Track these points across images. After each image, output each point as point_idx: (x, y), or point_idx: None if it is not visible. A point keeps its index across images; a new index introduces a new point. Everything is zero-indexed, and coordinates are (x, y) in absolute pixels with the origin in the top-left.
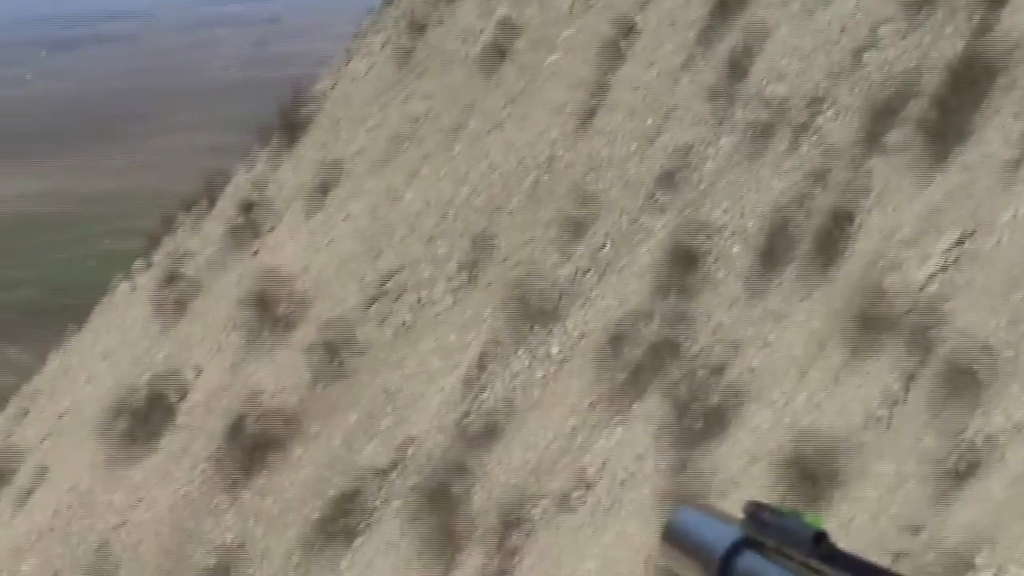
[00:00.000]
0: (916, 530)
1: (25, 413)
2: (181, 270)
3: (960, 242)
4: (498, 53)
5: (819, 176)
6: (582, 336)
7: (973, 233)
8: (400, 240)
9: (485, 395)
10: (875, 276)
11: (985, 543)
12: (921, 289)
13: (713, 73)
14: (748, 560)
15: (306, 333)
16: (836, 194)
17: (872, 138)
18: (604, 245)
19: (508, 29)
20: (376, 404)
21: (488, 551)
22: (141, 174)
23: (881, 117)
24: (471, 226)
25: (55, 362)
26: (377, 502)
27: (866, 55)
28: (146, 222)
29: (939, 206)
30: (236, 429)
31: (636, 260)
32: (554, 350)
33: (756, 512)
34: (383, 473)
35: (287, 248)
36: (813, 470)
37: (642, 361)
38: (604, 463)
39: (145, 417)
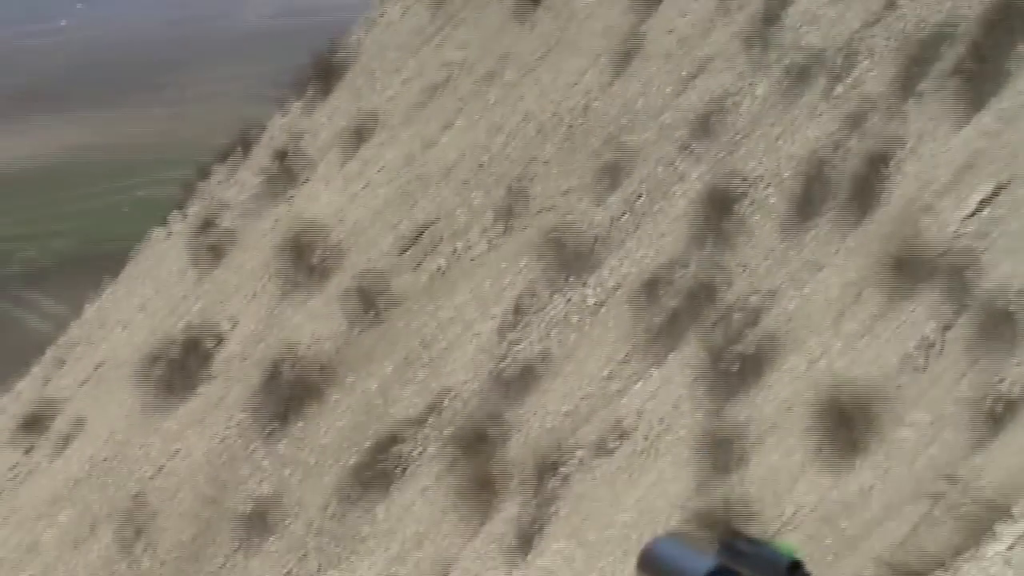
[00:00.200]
0: (952, 476)
1: (62, 363)
2: (217, 220)
3: (996, 190)
4: (532, 0)
5: (854, 123)
6: (618, 284)
7: (1009, 181)
8: (435, 189)
9: (521, 343)
10: (911, 223)
11: (1022, 492)
12: (957, 236)
13: (747, 19)
14: None
15: (341, 282)
16: (871, 142)
17: (907, 85)
18: (639, 194)
19: None
20: (412, 352)
21: (525, 498)
22: (176, 124)
23: (916, 64)
24: (506, 175)
25: (91, 313)
26: (414, 450)
27: (901, 0)
28: (182, 172)
29: (975, 153)
30: (272, 378)
31: (672, 208)
32: (590, 298)
33: (731, 541)
34: (419, 421)
35: (322, 197)
36: (849, 415)
37: (678, 308)
38: (640, 409)
39: (181, 367)
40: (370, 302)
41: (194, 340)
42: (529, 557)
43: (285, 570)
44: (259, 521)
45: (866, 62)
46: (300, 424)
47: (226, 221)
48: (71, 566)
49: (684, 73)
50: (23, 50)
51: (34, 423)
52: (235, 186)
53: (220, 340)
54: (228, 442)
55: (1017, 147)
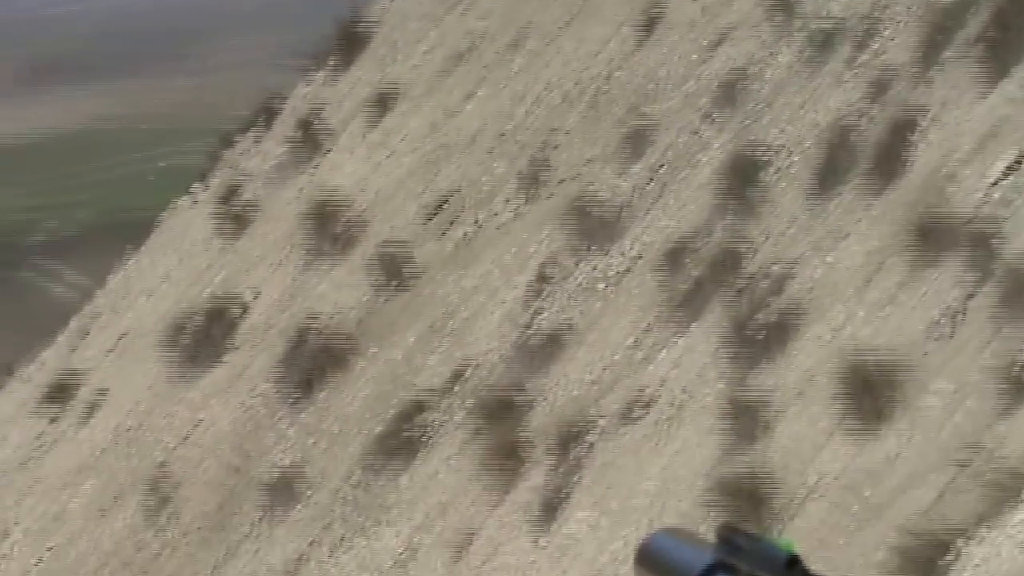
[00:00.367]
0: (977, 444)
1: (86, 333)
2: (240, 189)
3: (1021, 158)
4: None
5: (878, 91)
6: (641, 253)
7: None
8: (458, 159)
9: (545, 312)
10: (935, 191)
11: None
12: (981, 204)
13: None
14: None
15: (364, 252)
16: (895, 110)
17: (930, 53)
18: (663, 162)
19: None
20: (436, 321)
21: (549, 467)
22: (199, 93)
23: (939, 31)
24: (529, 144)
25: (114, 283)
26: (438, 419)
27: None
28: (205, 142)
29: (999, 121)
30: (296, 347)
31: (695, 176)
32: (614, 267)
33: (729, 536)
34: (444, 390)
35: (345, 167)
36: (873, 384)
37: (702, 277)
38: (664, 378)
39: (205, 336)
40: (394, 271)
41: (218, 309)
42: (553, 526)
43: (310, 539)
44: (284, 490)
45: (889, 30)
46: (324, 393)
47: (250, 191)
48: (96, 535)
49: (707, 41)
50: (46, 19)
51: (59, 393)
52: (258, 156)
53: (244, 309)
54: (253, 411)
55: None
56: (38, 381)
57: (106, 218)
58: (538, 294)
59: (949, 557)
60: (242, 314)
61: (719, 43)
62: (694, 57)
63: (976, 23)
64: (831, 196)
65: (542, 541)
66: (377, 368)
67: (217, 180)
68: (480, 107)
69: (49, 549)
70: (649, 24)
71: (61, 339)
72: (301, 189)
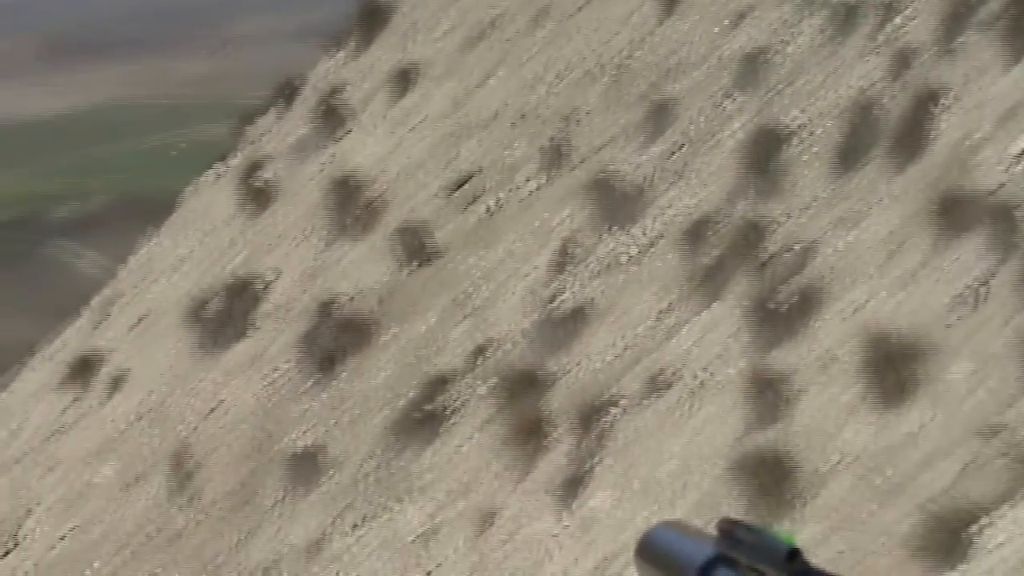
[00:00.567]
0: (998, 422)
1: (109, 311)
2: (261, 168)
3: None
4: None
5: (899, 68)
6: (663, 231)
7: None
8: (479, 137)
9: (566, 289)
10: (957, 168)
11: None
12: (1002, 180)
13: None
14: None
15: (386, 230)
16: (917, 87)
17: (952, 30)
18: (685, 140)
19: None
20: (458, 299)
21: (571, 444)
22: (221, 71)
23: (961, 8)
24: (551, 121)
25: (138, 260)
26: (460, 396)
27: None
28: (227, 120)
29: (1021, 98)
30: (319, 324)
31: (718, 153)
32: (636, 244)
33: (730, 529)
34: (466, 367)
35: (366, 145)
36: (896, 360)
37: (724, 254)
38: (686, 355)
39: (228, 314)
40: (416, 248)
41: (240, 287)
42: (576, 503)
43: (332, 516)
44: (307, 467)
45: (910, 8)
46: (346, 371)
47: (271, 169)
48: (120, 513)
49: (728, 19)
50: None
51: (82, 370)
52: (280, 134)
53: (266, 287)
54: (275, 388)
55: None
56: (60, 359)
57: (127, 197)
58: (560, 271)
59: (972, 530)
60: (264, 291)
61: (740, 20)
62: (716, 33)
63: (998, 0)
64: (853, 173)
65: (564, 518)
66: (399, 346)
67: (238, 159)
68: (501, 85)
69: (72, 528)
70: (670, 1)
71: (84, 317)
72: (323, 167)
